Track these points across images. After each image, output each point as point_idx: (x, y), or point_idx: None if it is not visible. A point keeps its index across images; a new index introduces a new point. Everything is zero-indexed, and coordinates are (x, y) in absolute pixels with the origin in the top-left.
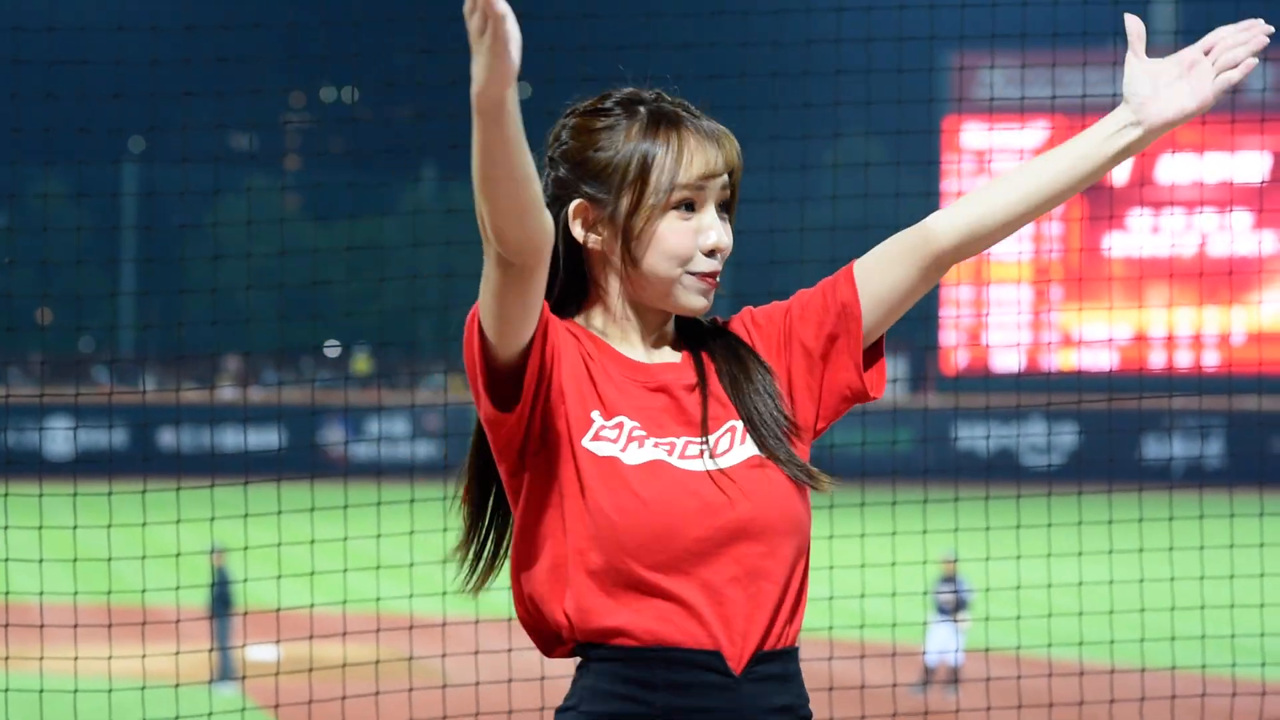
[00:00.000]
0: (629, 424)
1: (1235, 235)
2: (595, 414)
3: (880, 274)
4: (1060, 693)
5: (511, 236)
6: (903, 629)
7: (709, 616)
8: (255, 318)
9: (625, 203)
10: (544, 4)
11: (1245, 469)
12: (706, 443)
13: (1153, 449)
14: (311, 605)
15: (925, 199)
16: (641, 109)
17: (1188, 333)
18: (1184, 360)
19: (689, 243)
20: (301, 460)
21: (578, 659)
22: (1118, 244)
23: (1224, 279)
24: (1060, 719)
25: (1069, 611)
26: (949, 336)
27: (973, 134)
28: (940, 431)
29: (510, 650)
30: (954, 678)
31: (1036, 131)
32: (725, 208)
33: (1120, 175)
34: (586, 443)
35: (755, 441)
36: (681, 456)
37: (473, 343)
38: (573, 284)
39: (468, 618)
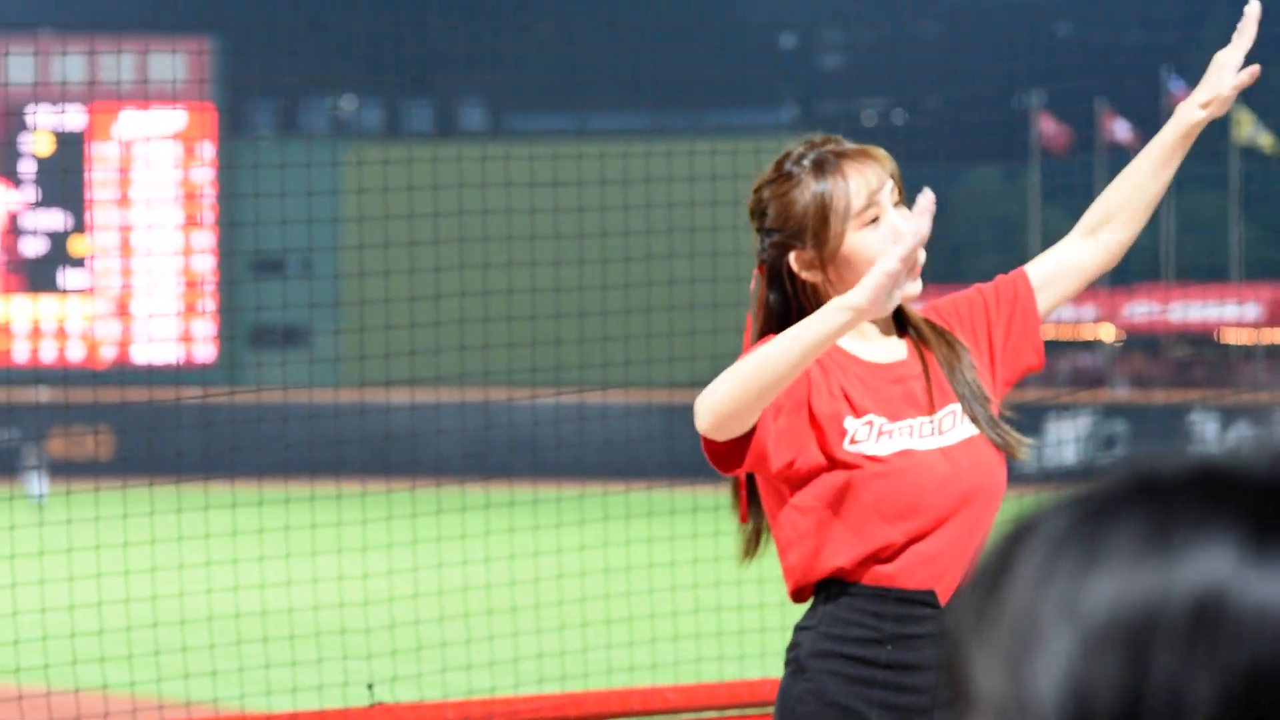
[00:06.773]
0: (877, 420)
1: None
2: (847, 420)
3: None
4: None
5: (741, 426)
6: None
7: (937, 568)
8: None
9: (822, 238)
10: None
11: None
12: (934, 422)
13: None
14: None
15: None
16: (805, 161)
17: None
18: None
19: (882, 247)
20: None
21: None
22: None
23: None
24: None
25: None
26: None
27: None
28: None
29: None
30: None
31: None
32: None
33: None
34: (846, 447)
35: (970, 419)
36: (919, 437)
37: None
38: (803, 314)
39: None
